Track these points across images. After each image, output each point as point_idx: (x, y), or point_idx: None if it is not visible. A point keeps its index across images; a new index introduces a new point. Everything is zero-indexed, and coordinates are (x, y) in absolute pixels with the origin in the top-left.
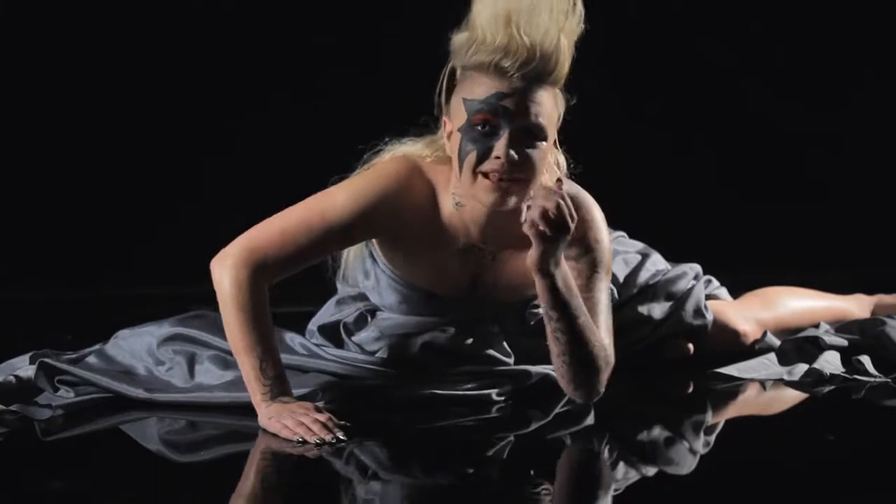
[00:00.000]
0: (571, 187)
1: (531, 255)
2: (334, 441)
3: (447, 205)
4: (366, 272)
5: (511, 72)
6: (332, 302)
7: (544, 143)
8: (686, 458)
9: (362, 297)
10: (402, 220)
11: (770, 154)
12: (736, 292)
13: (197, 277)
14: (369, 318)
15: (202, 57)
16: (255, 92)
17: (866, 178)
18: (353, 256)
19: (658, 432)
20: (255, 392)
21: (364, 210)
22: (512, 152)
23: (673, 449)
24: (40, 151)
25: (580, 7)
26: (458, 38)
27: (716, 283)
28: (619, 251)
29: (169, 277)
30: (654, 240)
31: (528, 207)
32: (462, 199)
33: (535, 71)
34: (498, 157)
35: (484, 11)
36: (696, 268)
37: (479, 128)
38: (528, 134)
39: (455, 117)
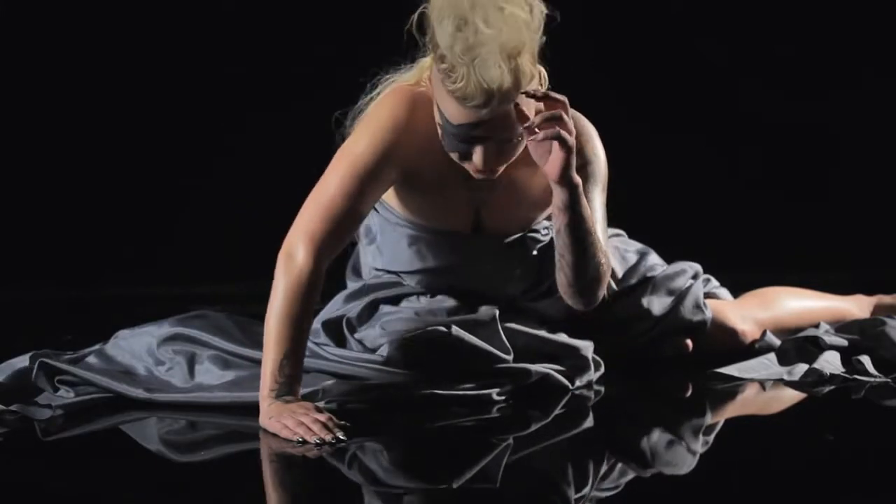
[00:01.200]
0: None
1: (553, 168)
2: (334, 441)
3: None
4: (371, 237)
5: (475, 109)
6: (339, 297)
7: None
8: (685, 459)
9: (368, 289)
10: (415, 150)
11: (770, 154)
12: (736, 292)
13: (197, 277)
14: (375, 313)
15: (203, 58)
16: (255, 94)
17: (866, 179)
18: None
19: (657, 433)
20: (264, 386)
21: (385, 148)
22: (490, 161)
23: (672, 449)
24: (40, 151)
25: (538, 15)
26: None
27: (715, 282)
28: (618, 248)
29: (169, 277)
30: (654, 240)
31: (533, 128)
32: None
33: (498, 104)
34: (477, 164)
35: (444, 38)
36: (696, 266)
37: (456, 138)
38: (504, 141)
39: (435, 104)
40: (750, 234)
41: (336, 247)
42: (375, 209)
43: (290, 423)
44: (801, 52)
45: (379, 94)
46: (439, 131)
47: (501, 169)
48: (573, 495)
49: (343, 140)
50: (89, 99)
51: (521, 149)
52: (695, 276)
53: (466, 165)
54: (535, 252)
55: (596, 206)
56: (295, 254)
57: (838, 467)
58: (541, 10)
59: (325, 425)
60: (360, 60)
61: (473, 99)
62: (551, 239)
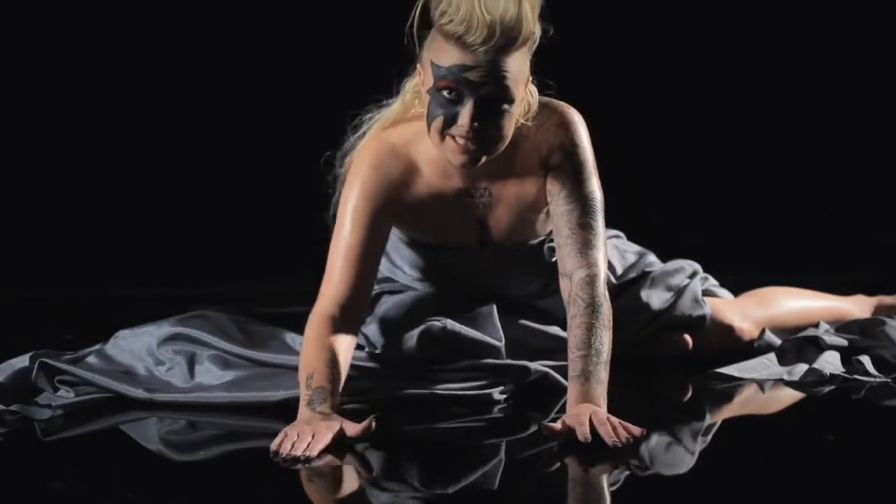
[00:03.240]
0: (542, 98)
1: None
2: (302, 458)
3: (427, 162)
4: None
5: (474, 47)
6: None
7: (512, 104)
8: (684, 458)
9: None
10: (400, 195)
11: (770, 154)
12: (736, 292)
13: (197, 278)
14: (377, 303)
15: (201, 57)
16: (252, 92)
17: (867, 179)
18: None
19: (657, 432)
20: (301, 397)
21: (376, 187)
22: (476, 121)
23: (671, 449)
24: (40, 151)
25: None
26: None
27: (713, 280)
28: (617, 247)
29: (169, 277)
30: (654, 240)
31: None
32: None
33: (497, 46)
34: (463, 125)
35: None
36: (695, 265)
37: (445, 93)
38: (494, 100)
39: (425, 76)
40: (750, 234)
41: (357, 307)
42: None
43: (289, 433)
44: (803, 52)
45: (364, 133)
46: (426, 101)
47: (483, 158)
48: (572, 496)
49: (333, 180)
50: (90, 99)
51: (509, 128)
52: (693, 274)
53: (450, 136)
54: (553, 259)
55: (591, 191)
56: (315, 321)
57: (838, 467)
58: None
59: (309, 443)
60: (360, 61)
61: (475, 30)
62: None
